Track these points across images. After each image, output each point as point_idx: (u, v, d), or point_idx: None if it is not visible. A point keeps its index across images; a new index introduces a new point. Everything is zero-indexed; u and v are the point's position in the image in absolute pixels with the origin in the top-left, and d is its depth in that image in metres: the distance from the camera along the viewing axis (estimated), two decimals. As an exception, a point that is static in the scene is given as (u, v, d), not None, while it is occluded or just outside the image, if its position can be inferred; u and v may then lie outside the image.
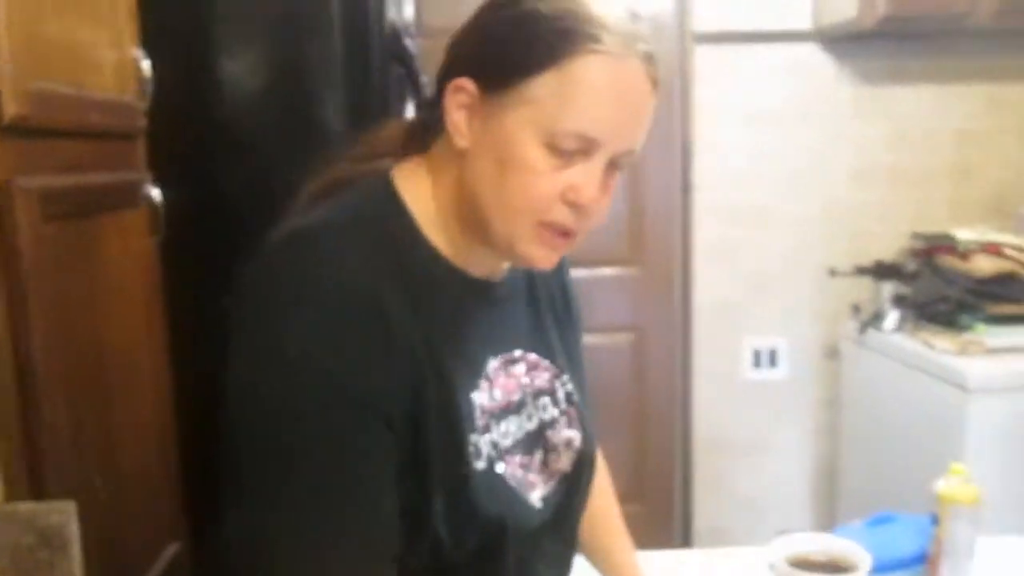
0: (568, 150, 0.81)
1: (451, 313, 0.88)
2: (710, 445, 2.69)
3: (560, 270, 1.07)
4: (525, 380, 0.96)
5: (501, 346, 0.94)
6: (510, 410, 0.93)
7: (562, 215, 0.83)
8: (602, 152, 0.82)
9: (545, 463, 0.96)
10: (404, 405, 0.80)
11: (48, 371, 1.02)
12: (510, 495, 0.89)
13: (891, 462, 2.28)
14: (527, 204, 0.83)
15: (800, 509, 2.72)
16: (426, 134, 0.91)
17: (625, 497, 1.24)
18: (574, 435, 1.00)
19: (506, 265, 0.95)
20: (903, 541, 1.26)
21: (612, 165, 0.84)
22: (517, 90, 0.81)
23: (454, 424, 0.84)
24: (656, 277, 2.71)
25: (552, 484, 0.96)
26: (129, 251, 1.29)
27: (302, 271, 0.79)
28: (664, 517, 2.75)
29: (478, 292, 0.92)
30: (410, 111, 1.76)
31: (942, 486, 1.19)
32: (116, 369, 1.25)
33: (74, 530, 0.98)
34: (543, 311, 1.02)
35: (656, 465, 2.74)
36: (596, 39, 0.80)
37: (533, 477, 0.94)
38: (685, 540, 2.75)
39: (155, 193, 1.36)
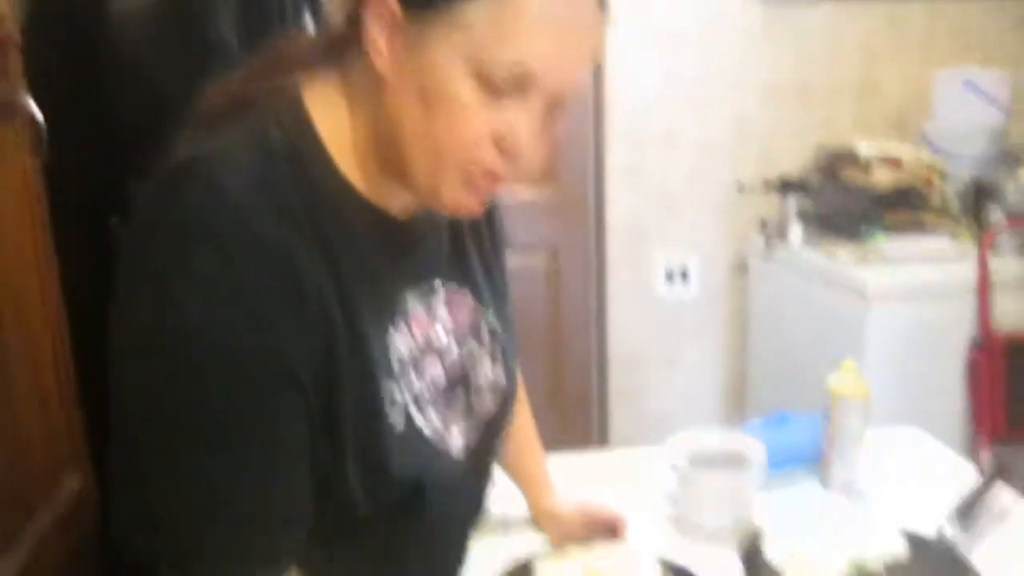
0: (501, 84, 0.71)
1: (363, 253, 0.79)
2: (624, 361, 2.75)
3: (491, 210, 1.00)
4: (446, 317, 0.90)
5: (419, 281, 0.87)
6: (430, 351, 0.86)
7: (491, 158, 0.75)
8: (540, 90, 0.73)
9: (469, 407, 0.91)
10: (316, 364, 0.73)
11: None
12: (429, 451, 0.84)
13: (797, 372, 2.36)
14: (453, 144, 0.74)
15: (711, 421, 2.80)
16: (343, 48, 0.79)
17: (542, 414, 1.25)
18: (498, 374, 0.95)
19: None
20: (798, 438, 1.31)
21: (553, 108, 0.75)
22: (446, 12, 0.70)
23: (368, 377, 0.77)
24: (570, 198, 2.72)
25: (475, 430, 0.92)
26: (9, 171, 1.22)
27: (198, 215, 0.69)
28: (581, 433, 2.80)
29: (396, 232, 0.84)
30: (309, 27, 1.70)
31: (834, 382, 1.24)
32: (3, 292, 1.20)
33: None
34: (467, 244, 0.95)
35: (572, 382, 2.79)
36: None
37: (455, 426, 0.89)
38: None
39: (34, 109, 1.29)
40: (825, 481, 1.27)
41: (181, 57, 1.47)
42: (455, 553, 0.98)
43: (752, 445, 1.18)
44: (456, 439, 0.88)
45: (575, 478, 1.22)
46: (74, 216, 1.37)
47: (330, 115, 0.78)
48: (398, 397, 0.80)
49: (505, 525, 1.23)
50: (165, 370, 0.69)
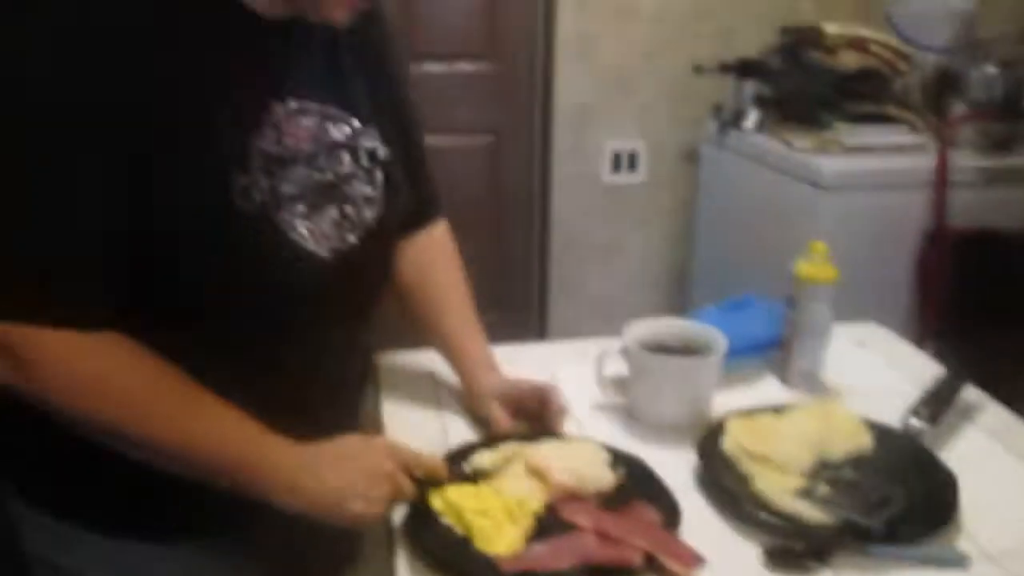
0: None
1: (229, 50, 0.83)
2: (567, 249, 2.64)
3: (374, 22, 0.99)
4: (319, 130, 0.91)
5: (292, 92, 0.88)
6: (298, 160, 0.88)
7: None
8: None
9: (344, 215, 0.93)
10: (137, 124, 0.77)
11: None
12: (285, 242, 0.86)
13: (745, 262, 2.29)
14: None
15: (653, 311, 2.72)
16: None
17: (481, 301, 1.15)
18: (373, 192, 0.96)
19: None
20: (757, 325, 1.22)
21: None
22: None
23: (214, 162, 0.81)
24: (514, 75, 2.55)
25: (352, 238, 0.93)
26: None
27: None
28: (520, 320, 2.72)
29: (265, 31, 0.86)
30: None
31: (800, 264, 1.14)
32: None
33: None
34: (345, 62, 0.96)
35: (512, 269, 2.68)
36: None
37: (325, 229, 0.90)
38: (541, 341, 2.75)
39: None
40: (785, 373, 1.18)
41: None
42: (337, 359, 1.00)
43: (712, 334, 1.08)
44: (325, 241, 0.90)
45: (515, 371, 1.11)
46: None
47: None
48: (255, 193, 0.83)
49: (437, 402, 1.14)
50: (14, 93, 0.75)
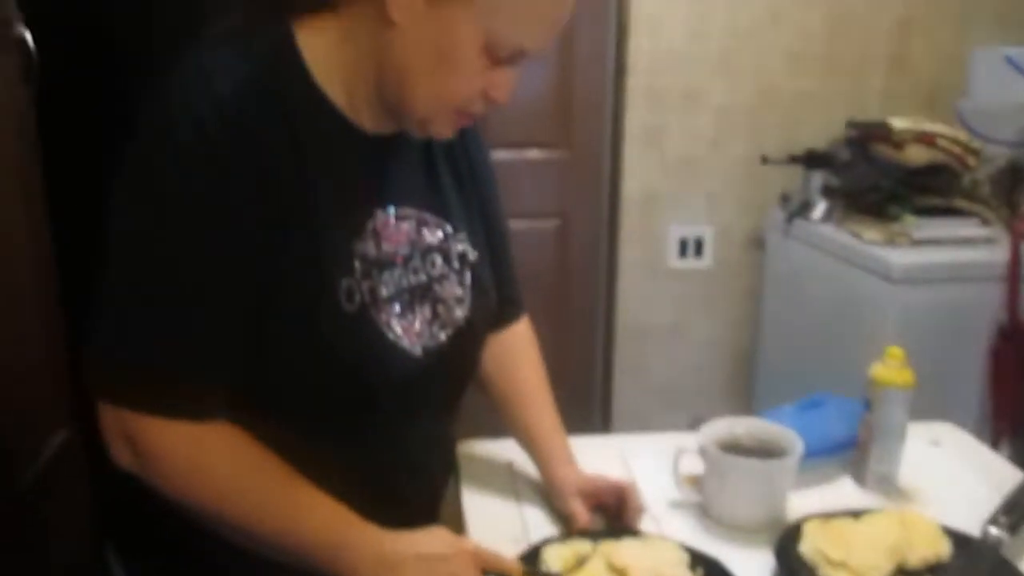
0: (502, 57, 0.86)
1: (336, 163, 0.90)
2: (632, 333, 2.67)
3: (465, 134, 1.06)
4: (415, 236, 0.98)
5: (391, 201, 0.96)
6: (396, 262, 0.96)
7: (478, 106, 0.90)
8: (526, 58, 0.89)
9: (435, 315, 0.99)
10: (259, 235, 0.84)
11: None
12: (381, 341, 0.93)
13: (812, 352, 2.29)
14: (453, 97, 0.88)
15: (717, 397, 2.74)
16: None
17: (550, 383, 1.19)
18: (463, 292, 1.03)
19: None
20: (833, 424, 1.23)
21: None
22: None
23: (322, 265, 0.88)
24: (583, 162, 2.62)
25: (443, 336, 1.00)
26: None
27: (184, 104, 0.82)
28: (584, 404, 2.74)
29: (369, 146, 0.94)
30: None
31: (876, 368, 1.16)
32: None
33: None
34: (440, 171, 1.04)
35: (578, 351, 2.71)
36: None
37: (418, 327, 0.97)
38: (604, 428, 2.76)
39: (27, 36, 1.19)
40: (860, 475, 1.19)
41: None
42: (424, 449, 1.05)
43: (788, 436, 1.10)
44: (417, 339, 0.96)
45: (590, 463, 1.14)
46: (68, 148, 1.27)
47: (319, 42, 0.89)
48: (356, 293, 0.90)
49: (516, 493, 1.17)
50: (135, 211, 0.83)
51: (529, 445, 1.17)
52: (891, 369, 1.14)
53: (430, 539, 0.90)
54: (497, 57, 0.86)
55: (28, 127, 1.21)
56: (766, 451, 1.10)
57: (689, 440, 1.13)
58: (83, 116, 1.37)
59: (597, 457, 1.17)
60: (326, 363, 0.89)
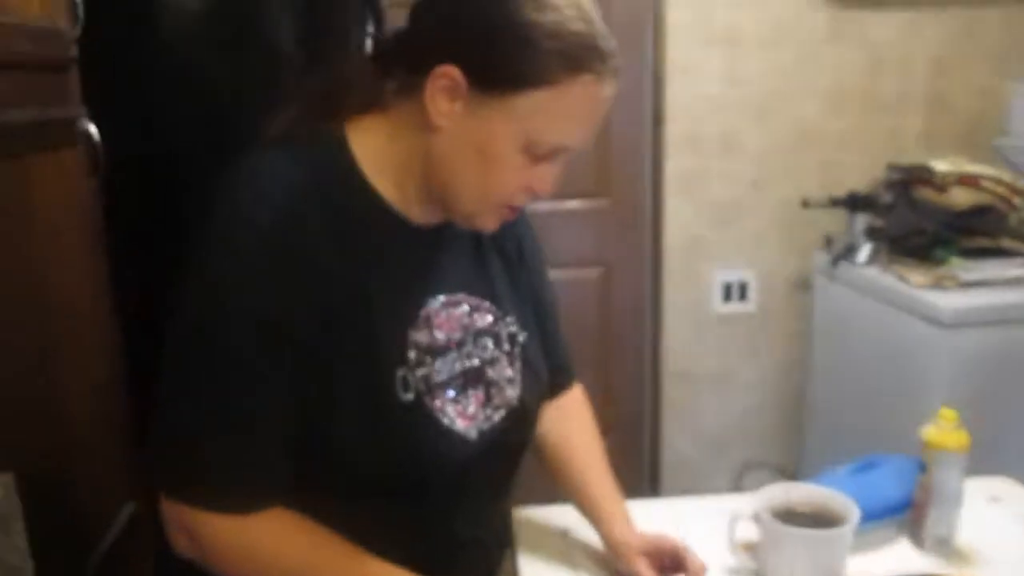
0: (542, 155, 0.89)
1: (388, 255, 0.94)
2: (679, 379, 2.67)
3: (514, 221, 1.07)
4: (467, 321, 1.01)
5: (442, 288, 0.99)
6: (449, 348, 0.98)
7: (521, 200, 0.94)
8: (566, 154, 0.92)
9: (489, 397, 1.01)
10: (321, 340, 0.87)
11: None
12: (436, 427, 0.95)
13: (861, 396, 2.27)
14: (497, 194, 0.92)
15: (768, 442, 2.72)
16: (392, 99, 0.95)
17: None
18: (514, 374, 1.05)
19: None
20: (888, 487, 1.23)
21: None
22: (508, 99, 0.86)
23: (375, 358, 0.91)
24: (624, 210, 2.64)
25: (496, 418, 1.01)
26: (67, 195, 1.19)
27: (240, 209, 0.86)
28: (632, 451, 2.74)
29: (420, 238, 0.98)
30: (369, 32, 1.64)
31: (930, 431, 1.16)
32: (59, 322, 1.16)
33: (16, 503, 0.90)
34: (489, 256, 1.07)
35: (624, 400, 2.72)
36: (592, 68, 0.87)
37: (471, 411, 0.99)
38: (653, 473, 2.75)
39: (92, 129, 1.25)
40: (918, 538, 1.19)
41: (241, 69, 1.42)
42: (479, 524, 1.06)
43: (844, 503, 1.10)
44: (472, 423, 0.98)
45: (646, 525, 1.15)
46: (134, 239, 1.32)
47: (370, 141, 0.94)
48: (412, 382, 0.93)
49: (571, 561, 1.18)
50: (198, 319, 0.87)
51: (587, 507, 1.18)
52: (945, 432, 1.14)
53: None
54: (537, 155, 0.89)
55: (94, 219, 1.26)
56: (822, 518, 1.11)
57: (743, 503, 1.14)
58: (146, 205, 1.42)
59: (649, 520, 1.18)
60: (382, 451, 0.92)
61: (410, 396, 0.93)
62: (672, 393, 2.68)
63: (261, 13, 1.42)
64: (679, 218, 2.58)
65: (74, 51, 1.21)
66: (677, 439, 2.71)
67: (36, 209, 1.11)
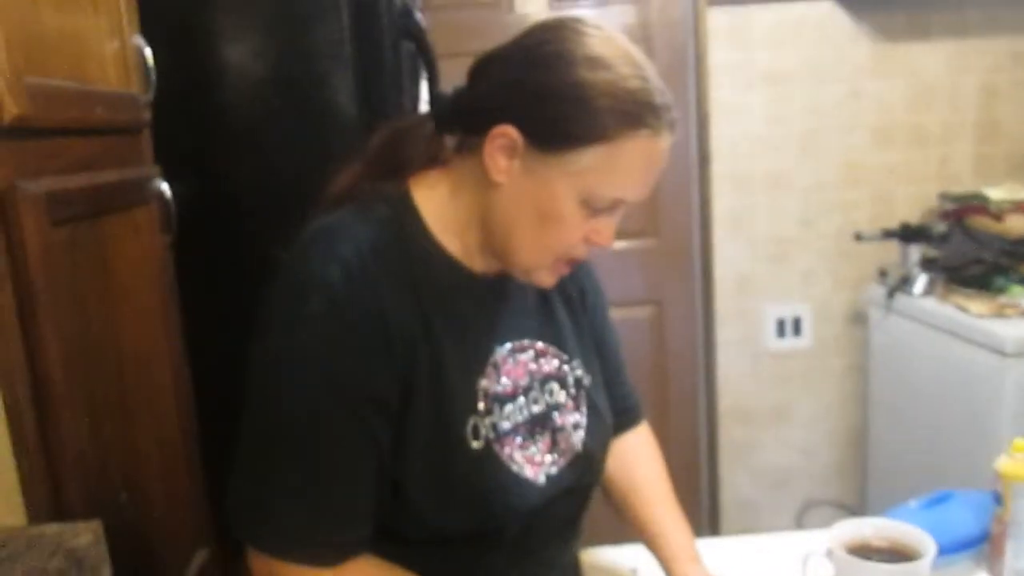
0: (600, 208, 0.91)
1: (455, 307, 0.95)
2: (735, 417, 2.65)
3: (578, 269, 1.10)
4: (533, 366, 1.02)
5: (509, 336, 1.01)
6: (516, 394, 0.99)
7: (581, 252, 0.95)
8: (624, 206, 0.93)
9: (555, 443, 1.02)
10: (396, 394, 0.89)
11: (65, 383, 0.97)
12: (505, 474, 0.95)
13: (924, 429, 2.23)
14: (556, 247, 0.93)
15: (828, 480, 2.68)
16: (452, 158, 0.98)
17: None
18: (581, 418, 1.06)
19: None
20: (962, 521, 1.21)
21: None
22: (565, 156, 0.88)
23: (447, 408, 0.92)
24: (674, 249, 2.65)
25: (563, 463, 1.02)
26: (142, 251, 1.23)
27: (312, 271, 0.88)
28: (690, 491, 2.71)
29: (484, 288, 0.99)
30: (424, 89, 1.69)
31: (1004, 463, 1.14)
32: (135, 376, 1.20)
33: (103, 550, 0.93)
34: (553, 301, 1.08)
35: (680, 439, 2.70)
36: (648, 123, 0.88)
37: (539, 457, 1.00)
38: (712, 514, 2.72)
39: (164, 188, 1.30)
40: (996, 572, 1.16)
41: (302, 129, 1.47)
42: (543, 570, 1.05)
43: (920, 536, 1.09)
44: (540, 468, 0.99)
45: (715, 564, 1.14)
46: (203, 293, 1.37)
47: (432, 196, 0.96)
48: (482, 429, 0.94)
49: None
50: (277, 382, 0.88)
51: (653, 543, 1.16)
52: (1019, 463, 1.12)
53: None
54: (596, 209, 0.91)
55: (167, 274, 1.31)
56: (898, 553, 1.09)
57: (811, 540, 1.13)
58: (212, 261, 1.47)
59: (716, 559, 1.17)
60: (453, 499, 0.93)
61: (480, 444, 0.94)
62: (729, 431, 2.65)
63: (320, 76, 1.47)
64: (729, 255, 2.58)
65: (147, 114, 1.27)
66: (736, 478, 2.68)
67: (111, 265, 1.16)
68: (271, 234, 0.95)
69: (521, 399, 1.00)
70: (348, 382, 0.87)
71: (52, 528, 0.91)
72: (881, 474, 2.50)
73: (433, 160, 0.99)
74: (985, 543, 1.19)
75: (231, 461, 0.91)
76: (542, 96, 0.89)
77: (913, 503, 1.25)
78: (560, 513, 1.05)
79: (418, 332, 0.91)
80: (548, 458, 1.01)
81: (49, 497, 0.95)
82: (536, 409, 1.01)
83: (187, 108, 1.43)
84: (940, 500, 1.26)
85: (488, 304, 1.00)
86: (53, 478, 0.95)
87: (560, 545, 1.09)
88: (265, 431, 0.89)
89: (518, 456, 0.97)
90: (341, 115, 1.47)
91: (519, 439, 0.98)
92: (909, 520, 1.16)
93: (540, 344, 1.04)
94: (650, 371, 2.66)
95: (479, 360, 0.97)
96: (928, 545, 1.07)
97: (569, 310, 1.10)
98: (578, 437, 1.05)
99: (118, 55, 1.19)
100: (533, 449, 1.00)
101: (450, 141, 0.99)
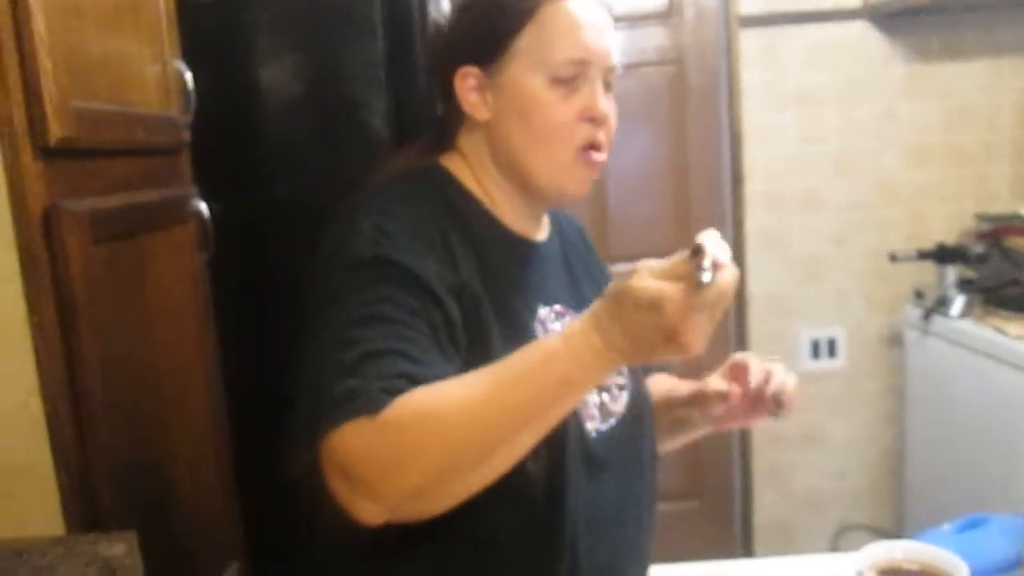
0: (568, 77, 0.97)
1: (505, 262, 0.99)
2: (768, 439, 2.62)
3: (581, 237, 1.19)
4: None
5: (548, 298, 1.03)
6: None
7: (585, 131, 0.98)
8: (595, 71, 0.98)
9: (601, 402, 1.03)
10: (455, 304, 0.89)
11: (104, 398, 1.00)
12: (574, 414, 0.95)
13: (961, 453, 2.20)
14: (555, 132, 0.97)
15: (863, 503, 2.64)
16: (450, 129, 1.05)
17: (683, 494, 1.21)
18: (624, 380, 1.07)
19: (544, 232, 1.08)
20: (997, 545, 1.18)
21: (606, 86, 1.00)
22: (509, 52, 0.97)
23: (516, 344, 0.83)
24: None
25: (610, 422, 1.03)
26: (179, 269, 1.26)
27: (373, 210, 0.91)
28: (723, 513, 2.68)
29: (525, 248, 1.04)
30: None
31: (1039, 487, 1.12)
32: (171, 391, 1.23)
33: (137, 560, 0.95)
34: (578, 272, 1.12)
35: (714, 461, 2.67)
36: None
37: (588, 411, 1.00)
38: (745, 537, 2.69)
39: (202, 207, 1.33)
40: (1032, 597, 1.14)
41: (337, 151, 1.50)
42: (613, 535, 1.03)
43: (952, 560, 1.07)
44: (590, 422, 1.00)
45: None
46: (239, 310, 1.40)
47: (459, 168, 1.03)
48: None
49: None
50: (349, 270, 0.87)
51: (668, 399, 1.19)
52: (1055, 486, 1.10)
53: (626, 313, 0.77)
54: (564, 80, 0.96)
55: (204, 290, 1.34)
56: (929, 577, 1.08)
57: (844, 563, 1.12)
58: (248, 278, 1.50)
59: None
60: None
61: None
62: (763, 454, 2.63)
63: (355, 99, 1.51)
64: (762, 276, 2.57)
65: (187, 135, 1.30)
66: (770, 501, 2.65)
67: (149, 282, 1.19)
68: (304, 254, 0.97)
69: None
70: (411, 269, 0.86)
71: (88, 538, 0.93)
72: (917, 497, 2.46)
73: (446, 145, 1.06)
74: (1020, 568, 1.17)
75: (265, 473, 0.89)
76: (464, 25, 1.01)
77: (947, 527, 1.23)
78: (618, 485, 1.02)
79: (475, 273, 0.93)
80: (598, 413, 1.02)
81: (86, 508, 0.97)
82: None
83: (225, 130, 1.46)
84: (975, 524, 1.24)
85: (528, 265, 1.03)
86: (90, 489, 0.98)
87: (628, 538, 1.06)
88: (332, 321, 0.84)
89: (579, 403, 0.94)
90: (375, 138, 1.50)
91: None
92: (942, 544, 1.14)
93: (572, 311, 1.04)
94: (682, 392, 2.64)
95: (529, 313, 0.99)
96: (960, 569, 1.06)
97: (592, 282, 1.13)
98: (623, 397, 1.06)
99: (159, 78, 1.23)
100: (584, 402, 1.00)
101: (450, 128, 1.05)
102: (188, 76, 1.29)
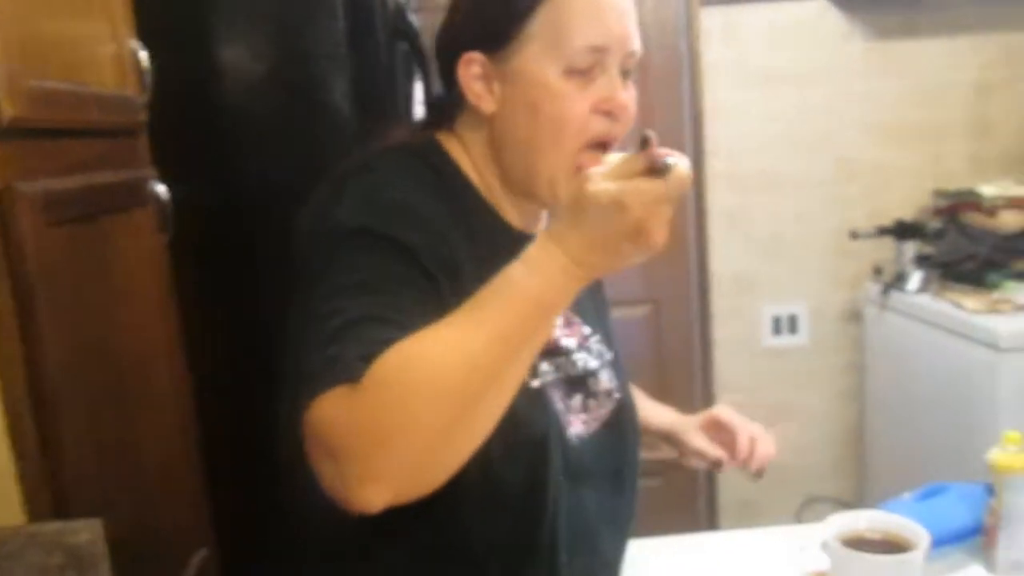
0: (585, 67, 0.88)
1: (496, 250, 0.86)
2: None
3: None
4: (566, 331, 1.01)
5: None
6: (557, 352, 0.97)
7: (600, 126, 0.90)
8: (613, 58, 0.89)
9: (586, 407, 1.00)
10: (446, 282, 0.82)
11: (64, 384, 0.98)
12: (555, 417, 0.93)
13: (920, 425, 2.24)
14: (566, 127, 0.89)
15: (827, 476, 2.69)
16: (452, 112, 0.98)
17: (647, 472, 1.21)
18: (613, 387, 1.05)
19: (542, 226, 1.00)
20: (956, 513, 1.21)
21: (624, 74, 0.92)
22: (519, 38, 0.88)
23: None
24: (670, 247, 2.61)
25: (593, 429, 1.00)
26: (139, 252, 1.24)
27: (362, 185, 0.86)
28: (688, 491, 2.71)
29: (519, 241, 0.87)
30: (418, 89, 1.70)
31: (997, 455, 1.15)
32: (133, 376, 1.21)
33: (102, 548, 0.93)
34: None
35: (680, 439, 2.70)
36: None
37: (572, 417, 0.97)
38: (710, 514, 2.72)
39: (161, 190, 1.31)
40: (990, 562, 1.17)
41: (299, 130, 1.48)
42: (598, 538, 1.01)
43: (914, 528, 1.09)
44: (573, 428, 0.97)
45: (702, 561, 1.15)
46: (202, 293, 1.38)
47: (455, 151, 0.96)
48: (537, 370, 0.92)
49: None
50: (337, 239, 0.81)
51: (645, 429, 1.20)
52: (1012, 455, 1.13)
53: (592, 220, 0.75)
54: (580, 70, 0.88)
55: (164, 272, 1.32)
56: (891, 545, 1.10)
57: (809, 533, 1.13)
58: (216, 262, 1.48)
59: (713, 554, 1.18)
60: (508, 432, 0.78)
61: (537, 384, 0.92)
62: (726, 430, 2.66)
63: (316, 77, 1.49)
64: (725, 253, 2.59)
65: (143, 116, 1.28)
66: (734, 476, 2.68)
67: (110, 266, 1.17)
68: (268, 234, 0.96)
69: (560, 357, 0.98)
70: (400, 240, 0.81)
71: (52, 526, 0.92)
72: (879, 469, 2.51)
73: (441, 128, 0.99)
74: (979, 534, 1.19)
75: (231, 460, 0.88)
76: (469, 5, 0.93)
77: (907, 496, 1.26)
78: (600, 488, 1.01)
79: (464, 256, 0.86)
80: (581, 419, 0.99)
81: (48, 496, 0.95)
82: (572, 370, 1.00)
83: (184, 110, 1.44)
84: (934, 493, 1.27)
85: None
86: (52, 477, 0.96)
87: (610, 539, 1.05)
88: (316, 275, 0.80)
89: (559, 407, 0.95)
90: (336, 115, 1.49)
91: (559, 392, 0.96)
92: (903, 513, 1.17)
93: (568, 312, 1.02)
94: (647, 369, 2.66)
95: None
96: (921, 537, 1.08)
97: (589, 290, 1.06)
98: (609, 405, 1.04)
99: (115, 58, 1.21)
100: (568, 407, 0.98)
101: (449, 115, 0.99)
102: (144, 55, 1.27)
